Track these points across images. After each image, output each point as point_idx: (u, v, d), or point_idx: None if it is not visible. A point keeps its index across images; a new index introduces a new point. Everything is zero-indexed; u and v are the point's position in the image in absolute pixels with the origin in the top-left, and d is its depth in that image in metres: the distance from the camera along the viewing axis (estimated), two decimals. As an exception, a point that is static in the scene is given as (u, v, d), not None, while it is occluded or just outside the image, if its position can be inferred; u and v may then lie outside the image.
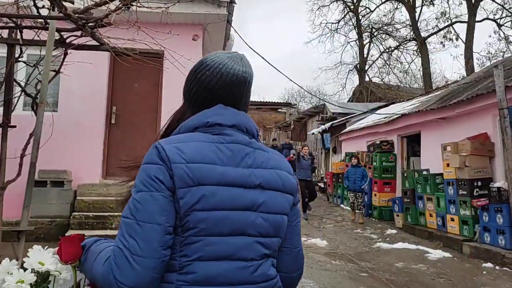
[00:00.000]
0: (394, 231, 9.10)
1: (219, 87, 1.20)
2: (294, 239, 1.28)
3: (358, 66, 26.96)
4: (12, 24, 4.59)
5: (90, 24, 4.28)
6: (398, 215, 9.71)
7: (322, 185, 15.95)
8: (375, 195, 10.99)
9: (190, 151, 1.10)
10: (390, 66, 26.51)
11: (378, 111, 13.55)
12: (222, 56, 1.23)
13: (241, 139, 1.19)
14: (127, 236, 1.04)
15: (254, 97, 25.16)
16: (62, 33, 4.63)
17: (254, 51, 7.49)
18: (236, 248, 1.11)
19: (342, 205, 12.61)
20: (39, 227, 6.02)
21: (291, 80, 13.19)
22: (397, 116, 10.81)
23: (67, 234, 5.02)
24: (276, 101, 28.32)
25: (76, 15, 3.97)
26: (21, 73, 6.08)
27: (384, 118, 11.59)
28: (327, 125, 16.60)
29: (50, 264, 1.18)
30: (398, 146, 11.15)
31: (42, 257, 1.18)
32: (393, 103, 16.40)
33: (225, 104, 1.21)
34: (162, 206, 1.06)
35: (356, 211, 10.33)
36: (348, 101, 26.18)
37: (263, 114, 26.00)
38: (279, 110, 26.92)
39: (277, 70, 8.39)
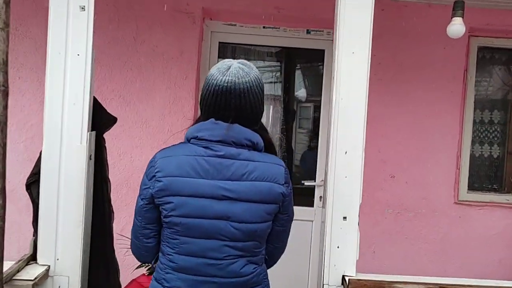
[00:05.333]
0: None
1: (208, 97, 1.37)
2: (278, 239, 1.48)
3: None
4: None
5: None
6: None
7: None
8: None
9: (171, 166, 1.33)
10: None
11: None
12: (214, 68, 1.39)
13: (224, 152, 1.33)
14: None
15: None
16: None
17: None
18: (205, 248, 1.33)
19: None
20: None
21: None
22: None
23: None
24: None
25: None
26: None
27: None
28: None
29: None
30: None
31: None
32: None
33: (213, 111, 1.37)
34: (139, 210, 1.39)
35: None
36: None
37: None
38: None
39: None
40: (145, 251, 1.43)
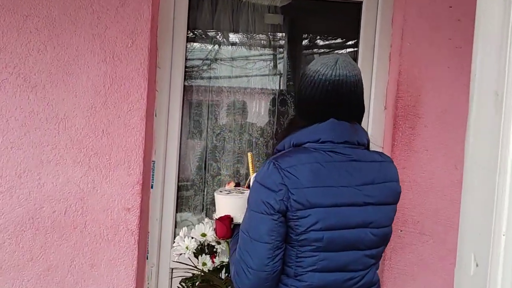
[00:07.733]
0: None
1: (315, 95, 1.27)
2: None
3: None
4: None
5: None
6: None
7: None
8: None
9: (305, 176, 1.20)
10: None
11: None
12: (317, 64, 1.30)
13: (353, 155, 1.27)
14: (243, 250, 1.24)
15: None
16: None
17: None
18: (347, 262, 1.25)
19: None
20: None
21: None
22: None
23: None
24: None
25: None
26: None
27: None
28: None
29: (210, 236, 1.54)
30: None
31: (205, 230, 1.54)
32: None
33: (322, 111, 1.27)
34: (271, 227, 1.19)
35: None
36: None
37: None
38: None
39: None
40: (271, 280, 1.23)
